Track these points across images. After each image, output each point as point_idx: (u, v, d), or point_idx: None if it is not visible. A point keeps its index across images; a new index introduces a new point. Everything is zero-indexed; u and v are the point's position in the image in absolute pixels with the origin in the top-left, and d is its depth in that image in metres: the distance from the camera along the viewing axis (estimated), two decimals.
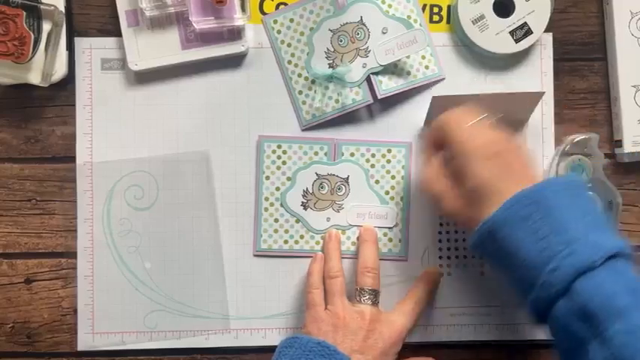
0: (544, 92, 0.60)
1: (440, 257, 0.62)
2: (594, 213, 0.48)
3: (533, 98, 0.60)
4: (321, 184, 0.62)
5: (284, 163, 0.62)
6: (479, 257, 0.55)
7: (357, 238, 0.61)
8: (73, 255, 0.62)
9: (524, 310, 0.48)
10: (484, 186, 0.49)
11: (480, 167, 0.50)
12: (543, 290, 0.45)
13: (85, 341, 0.61)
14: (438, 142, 0.54)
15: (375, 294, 0.57)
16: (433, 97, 0.58)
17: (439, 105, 0.58)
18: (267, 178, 0.62)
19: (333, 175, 0.62)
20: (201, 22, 0.59)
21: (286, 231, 0.62)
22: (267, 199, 0.62)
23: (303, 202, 0.62)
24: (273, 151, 0.62)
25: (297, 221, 0.62)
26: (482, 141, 0.51)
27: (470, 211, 0.50)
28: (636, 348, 0.41)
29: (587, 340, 0.43)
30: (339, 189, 0.62)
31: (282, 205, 0.62)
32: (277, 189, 0.62)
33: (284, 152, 0.62)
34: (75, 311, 0.61)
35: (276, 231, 0.62)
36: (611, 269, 0.44)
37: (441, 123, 0.54)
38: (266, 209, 0.62)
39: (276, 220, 0.62)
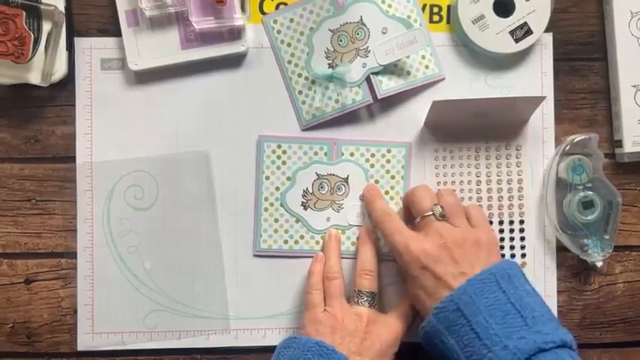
0: (545, 97, 0.60)
1: None
2: (520, 308, 0.49)
3: (533, 102, 0.60)
4: (320, 184, 0.62)
5: (284, 163, 0.62)
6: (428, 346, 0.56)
7: (357, 239, 0.61)
8: (72, 255, 0.62)
9: None
10: (419, 295, 0.54)
11: (415, 278, 0.54)
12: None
13: (84, 341, 0.61)
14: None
15: (372, 296, 0.57)
16: (434, 101, 0.58)
17: (439, 109, 0.58)
18: (267, 178, 0.62)
19: (333, 175, 0.62)
20: (201, 22, 0.59)
21: (286, 231, 0.62)
22: (266, 199, 0.62)
23: (303, 202, 0.62)
24: (273, 151, 0.62)
25: (297, 221, 0.62)
26: (423, 246, 0.54)
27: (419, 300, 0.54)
28: None
29: None
30: (338, 189, 0.62)
31: (281, 205, 0.62)
32: (277, 189, 0.62)
33: (284, 152, 0.62)
34: (75, 311, 0.61)
35: (276, 231, 0.62)
36: None
37: (407, 201, 0.59)
38: (266, 209, 0.62)
39: (276, 220, 0.62)
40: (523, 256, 0.63)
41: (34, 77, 0.59)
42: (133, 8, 0.60)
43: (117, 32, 0.60)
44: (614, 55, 0.62)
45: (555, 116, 0.63)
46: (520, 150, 0.62)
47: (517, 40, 0.61)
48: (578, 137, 0.61)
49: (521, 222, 0.63)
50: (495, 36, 0.61)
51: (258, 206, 0.62)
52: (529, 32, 0.61)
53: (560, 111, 0.63)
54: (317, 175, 0.62)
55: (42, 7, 0.57)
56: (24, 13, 0.57)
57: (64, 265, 0.62)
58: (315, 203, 0.62)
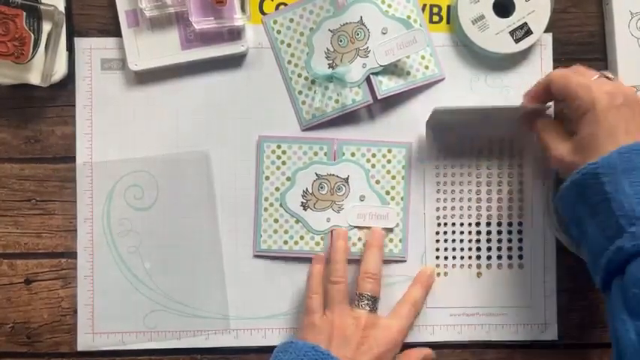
0: (550, 106, 0.58)
1: (437, 257, 0.62)
2: None
3: (537, 112, 0.58)
4: (320, 184, 0.62)
5: (284, 163, 0.62)
6: (561, 207, 0.52)
7: (362, 243, 0.61)
8: (72, 255, 0.62)
9: (595, 264, 0.48)
10: (604, 132, 0.48)
11: (605, 113, 0.48)
12: (630, 241, 0.44)
13: (84, 341, 0.61)
14: (546, 94, 0.55)
15: (373, 300, 0.57)
16: (434, 109, 0.58)
17: (440, 117, 0.58)
18: (267, 178, 0.62)
19: (333, 175, 0.62)
20: (201, 23, 0.59)
21: (286, 231, 0.62)
22: (266, 199, 0.62)
23: (302, 203, 0.62)
24: (273, 151, 0.62)
25: (297, 222, 0.62)
26: (610, 88, 0.50)
27: (578, 157, 0.49)
28: None
29: None
30: (338, 189, 0.62)
31: (281, 206, 0.62)
32: (277, 189, 0.62)
33: (284, 152, 0.62)
34: (75, 311, 0.61)
35: (275, 231, 0.62)
36: None
37: (557, 76, 0.53)
38: (266, 209, 0.62)
39: (276, 221, 0.62)
40: (520, 257, 0.63)
41: (34, 77, 0.59)
42: (133, 8, 0.60)
43: (117, 32, 0.61)
44: (613, 56, 0.62)
45: (556, 116, 0.63)
46: (522, 150, 0.62)
47: (517, 41, 0.61)
48: None
49: (520, 224, 0.63)
50: (495, 36, 0.61)
51: (258, 206, 0.62)
52: (529, 32, 0.61)
53: (560, 111, 0.63)
54: (317, 175, 0.62)
55: (42, 7, 0.57)
56: (24, 14, 0.57)
57: (64, 265, 0.62)
58: (314, 204, 0.62)
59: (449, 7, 0.63)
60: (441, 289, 0.62)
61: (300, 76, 0.62)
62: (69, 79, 0.61)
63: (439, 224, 0.62)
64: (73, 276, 0.62)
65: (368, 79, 0.61)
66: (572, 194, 0.49)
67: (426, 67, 0.62)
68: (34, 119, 0.62)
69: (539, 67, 0.63)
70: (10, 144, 0.62)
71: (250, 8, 0.60)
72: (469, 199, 0.62)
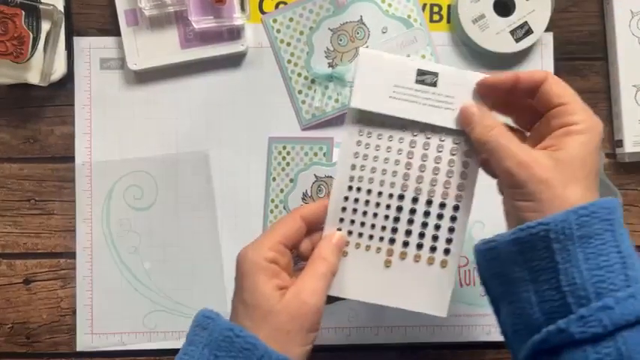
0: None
1: (339, 230, 0.48)
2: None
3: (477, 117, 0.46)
4: (319, 186, 0.62)
5: (288, 164, 0.62)
6: (485, 261, 0.43)
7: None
8: (72, 255, 0.61)
9: (520, 336, 0.41)
10: (585, 171, 0.40)
11: (596, 148, 0.41)
12: (577, 325, 0.37)
13: (84, 342, 0.61)
14: (511, 92, 0.45)
15: None
16: (349, 108, 0.48)
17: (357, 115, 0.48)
18: (274, 179, 0.62)
19: (331, 177, 0.62)
20: (200, 22, 0.58)
21: None
22: (272, 200, 0.62)
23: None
24: (279, 152, 0.62)
25: None
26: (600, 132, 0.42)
27: (560, 176, 0.40)
28: None
29: None
30: None
31: (285, 208, 0.62)
32: (282, 191, 0.62)
33: (288, 153, 0.62)
34: (74, 312, 0.61)
35: None
36: None
37: (555, 79, 0.44)
38: (271, 211, 0.62)
39: None
40: (446, 251, 0.51)
41: (33, 77, 0.58)
42: (133, 8, 0.60)
43: (116, 32, 0.60)
44: (614, 55, 0.62)
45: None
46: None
47: (517, 40, 0.61)
48: None
49: (455, 207, 0.50)
50: (496, 35, 0.60)
51: (265, 208, 0.62)
52: (529, 32, 0.60)
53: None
54: (315, 177, 0.62)
55: (41, 6, 0.57)
56: (23, 13, 0.57)
57: (63, 266, 0.62)
58: None
59: (449, 6, 0.63)
60: (338, 273, 0.47)
61: (300, 75, 0.62)
62: (68, 79, 0.61)
63: (350, 187, 0.48)
64: (72, 276, 0.61)
65: None
66: (510, 252, 0.41)
67: None
68: (33, 119, 0.62)
69: (540, 66, 0.63)
70: (9, 144, 0.62)
71: (250, 7, 0.60)
72: (396, 162, 0.47)
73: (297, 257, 0.47)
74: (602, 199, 0.40)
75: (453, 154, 0.47)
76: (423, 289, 0.47)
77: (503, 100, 0.46)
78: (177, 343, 0.61)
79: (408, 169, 0.47)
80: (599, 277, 0.38)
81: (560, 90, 0.43)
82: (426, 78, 0.47)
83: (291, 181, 0.62)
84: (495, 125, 0.43)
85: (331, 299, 0.47)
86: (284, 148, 0.62)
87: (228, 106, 0.62)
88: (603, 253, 0.38)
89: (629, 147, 0.61)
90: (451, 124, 0.46)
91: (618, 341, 0.36)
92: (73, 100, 0.62)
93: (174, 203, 0.62)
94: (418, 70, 0.47)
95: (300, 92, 0.62)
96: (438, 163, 0.47)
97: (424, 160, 0.47)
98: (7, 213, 0.62)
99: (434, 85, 0.46)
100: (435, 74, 0.47)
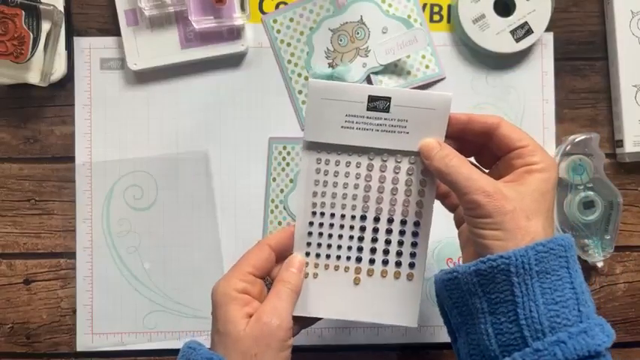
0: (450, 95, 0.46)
1: (308, 254, 0.50)
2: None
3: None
4: None
5: (287, 164, 0.62)
6: (445, 292, 0.45)
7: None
8: (72, 255, 0.61)
9: None
10: (545, 207, 0.42)
11: (554, 186, 0.44)
12: (532, 358, 0.39)
13: (84, 342, 0.61)
14: (467, 131, 0.46)
15: None
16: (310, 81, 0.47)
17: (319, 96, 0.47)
18: (274, 179, 0.62)
19: None
20: (200, 22, 0.58)
21: None
22: (272, 201, 0.62)
23: None
24: (280, 153, 0.62)
25: None
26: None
27: (520, 204, 0.41)
28: None
29: None
30: None
31: (284, 208, 0.62)
32: (282, 191, 0.62)
33: (288, 154, 0.62)
34: (74, 312, 0.61)
35: None
36: None
37: (508, 124, 0.46)
38: (272, 211, 0.62)
39: (280, 223, 0.62)
40: (411, 265, 0.50)
41: (33, 77, 0.58)
42: (133, 8, 0.60)
43: (116, 32, 0.60)
44: (614, 55, 0.62)
45: (556, 116, 0.63)
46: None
47: (518, 40, 0.61)
48: (579, 137, 0.61)
49: (416, 224, 0.49)
50: (496, 35, 0.60)
51: (266, 208, 0.62)
52: (530, 32, 0.60)
53: (560, 111, 0.63)
54: None
55: (41, 6, 0.57)
56: (23, 13, 0.57)
57: (63, 266, 0.62)
58: None
59: (449, 6, 0.63)
60: (311, 293, 0.49)
61: (300, 75, 0.62)
62: (68, 79, 0.61)
63: (314, 213, 0.49)
64: (72, 276, 0.61)
65: (368, 79, 0.61)
66: (471, 283, 0.42)
67: (427, 67, 0.62)
68: (33, 119, 0.62)
69: (540, 66, 0.63)
70: (9, 144, 0.62)
71: (250, 7, 0.60)
72: (355, 186, 0.48)
73: (271, 284, 0.49)
74: (558, 237, 0.41)
75: (410, 174, 0.48)
76: (392, 302, 0.49)
77: (458, 136, 0.47)
78: (177, 343, 0.61)
79: (367, 191, 0.48)
80: (554, 311, 0.40)
81: (518, 133, 0.45)
82: (378, 104, 0.47)
83: (291, 181, 0.62)
84: (454, 155, 0.44)
85: (312, 320, 0.49)
86: (284, 148, 0.62)
87: (228, 106, 0.62)
88: (559, 289, 0.40)
89: (629, 147, 0.61)
90: (406, 147, 0.47)
91: None
92: (73, 100, 0.62)
93: (175, 203, 0.62)
94: (369, 96, 0.47)
95: (300, 92, 0.62)
96: (395, 183, 0.48)
97: (382, 182, 0.48)
98: (7, 213, 0.62)
99: (386, 110, 0.47)
100: (387, 99, 0.46)
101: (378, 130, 0.47)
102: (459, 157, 0.44)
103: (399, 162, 0.48)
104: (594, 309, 0.41)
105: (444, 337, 0.62)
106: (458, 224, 0.50)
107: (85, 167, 0.61)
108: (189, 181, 0.62)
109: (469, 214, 0.43)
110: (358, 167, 0.48)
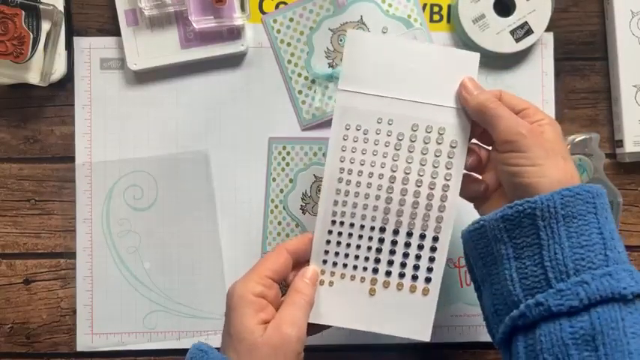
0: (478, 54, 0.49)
1: (325, 262, 0.50)
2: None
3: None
4: (318, 187, 0.61)
5: (287, 164, 0.62)
6: (472, 241, 0.45)
7: None
8: (72, 255, 0.61)
9: (497, 314, 0.43)
10: (560, 158, 0.43)
11: (559, 140, 0.45)
12: (555, 298, 0.39)
13: (84, 342, 0.61)
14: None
15: None
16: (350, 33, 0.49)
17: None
18: (274, 179, 0.62)
19: None
20: (200, 22, 0.58)
21: (287, 235, 0.62)
22: (272, 201, 0.62)
23: (302, 206, 0.62)
24: (279, 153, 0.62)
25: (297, 225, 0.62)
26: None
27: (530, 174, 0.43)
28: None
29: None
30: None
31: (284, 208, 0.62)
32: (281, 191, 0.62)
33: (288, 153, 0.62)
34: (74, 312, 0.61)
35: (279, 234, 0.62)
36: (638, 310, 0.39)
37: (508, 93, 0.48)
38: (271, 211, 0.62)
39: (279, 223, 0.62)
40: (427, 280, 0.50)
41: (33, 77, 0.58)
42: (133, 8, 0.60)
43: (116, 32, 0.60)
44: (614, 55, 0.62)
45: (556, 116, 0.63)
46: (452, 154, 0.51)
47: (517, 40, 0.61)
48: (579, 137, 0.61)
49: (435, 239, 0.50)
50: (496, 35, 0.60)
51: (266, 208, 0.62)
52: (529, 32, 0.60)
53: (560, 111, 0.63)
54: (315, 177, 0.62)
55: (41, 6, 0.57)
56: (23, 13, 0.57)
57: (63, 266, 0.62)
58: (312, 207, 0.62)
59: (449, 6, 0.63)
60: (326, 302, 0.50)
61: (300, 75, 0.62)
62: (68, 79, 0.61)
63: (334, 222, 0.49)
64: (72, 276, 0.61)
65: None
66: (497, 229, 0.43)
67: None
68: (33, 119, 0.62)
69: (540, 66, 0.63)
70: (9, 144, 0.62)
71: (250, 7, 0.60)
72: (377, 197, 0.49)
73: (286, 288, 0.49)
74: (586, 184, 0.42)
75: (432, 189, 0.49)
76: (406, 315, 0.49)
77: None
78: (177, 343, 0.61)
79: (389, 203, 0.49)
80: (579, 254, 0.40)
81: (518, 99, 0.47)
82: (415, 58, 0.48)
83: (291, 181, 0.62)
84: (494, 97, 0.47)
85: (321, 327, 0.49)
86: (284, 148, 0.62)
87: (228, 106, 0.62)
88: (585, 233, 0.41)
89: (629, 147, 0.61)
90: (442, 102, 0.48)
91: (592, 316, 0.39)
92: (73, 100, 0.61)
93: (175, 203, 0.62)
94: (407, 49, 0.48)
95: (300, 92, 0.62)
96: (417, 197, 0.49)
97: (403, 195, 0.49)
98: (7, 213, 0.62)
99: (423, 64, 0.48)
100: (425, 54, 0.48)
101: (414, 84, 0.48)
102: (496, 99, 0.46)
103: (421, 175, 0.49)
104: (626, 257, 0.41)
105: (444, 337, 0.62)
106: (478, 206, 0.51)
107: (85, 167, 0.61)
108: (189, 181, 0.62)
109: (510, 149, 0.44)
110: (381, 178, 0.49)
